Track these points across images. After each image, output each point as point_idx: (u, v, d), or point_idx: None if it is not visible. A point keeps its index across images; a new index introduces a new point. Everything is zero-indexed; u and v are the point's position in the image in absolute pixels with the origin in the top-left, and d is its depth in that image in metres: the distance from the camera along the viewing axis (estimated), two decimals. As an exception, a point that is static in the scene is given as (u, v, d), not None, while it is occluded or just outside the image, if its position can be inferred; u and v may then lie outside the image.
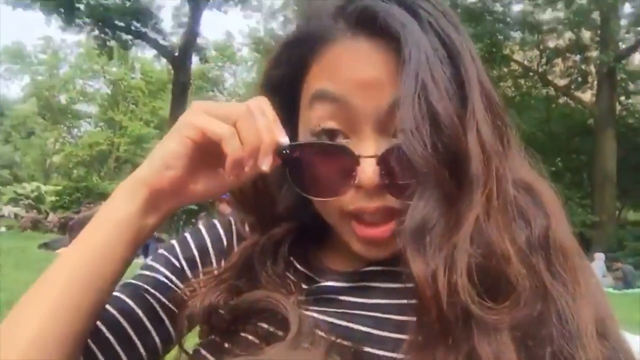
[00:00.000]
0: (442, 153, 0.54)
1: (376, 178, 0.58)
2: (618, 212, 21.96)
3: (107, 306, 0.65)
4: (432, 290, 0.51)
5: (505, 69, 22.85)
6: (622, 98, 22.80)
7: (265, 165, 0.58)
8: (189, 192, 0.63)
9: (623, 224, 20.73)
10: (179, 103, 19.53)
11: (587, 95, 23.50)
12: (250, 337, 0.63)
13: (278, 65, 0.67)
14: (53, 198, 24.01)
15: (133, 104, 40.64)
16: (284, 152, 0.60)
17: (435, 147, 0.54)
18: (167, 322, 0.70)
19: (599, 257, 12.81)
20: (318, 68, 0.62)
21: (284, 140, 0.60)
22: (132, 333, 0.68)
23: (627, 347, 0.57)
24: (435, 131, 0.54)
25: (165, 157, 0.61)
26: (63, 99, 42.13)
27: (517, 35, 21.78)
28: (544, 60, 23.80)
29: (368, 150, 0.59)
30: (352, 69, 0.59)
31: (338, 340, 0.58)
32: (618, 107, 21.98)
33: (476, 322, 0.51)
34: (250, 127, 0.58)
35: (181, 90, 20.61)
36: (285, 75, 0.66)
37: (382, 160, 0.58)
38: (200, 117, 0.60)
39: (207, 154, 0.61)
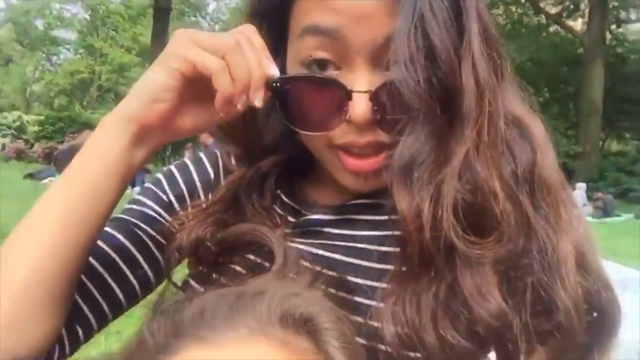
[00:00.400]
0: (435, 88, 0.52)
1: (368, 114, 0.57)
2: (602, 143, 22.20)
3: (98, 242, 0.66)
4: (416, 223, 0.52)
5: (496, -4, 22.29)
6: (613, 27, 22.48)
7: (258, 100, 0.57)
8: (178, 126, 0.62)
9: (606, 155, 21.00)
10: (160, 29, 18.90)
11: (578, 24, 23.15)
12: (237, 268, 0.64)
13: None
14: (36, 128, 23.65)
15: (113, 30, 39.28)
16: (274, 84, 0.58)
17: (429, 82, 0.52)
18: (157, 254, 0.70)
19: (580, 187, 13.08)
20: None
21: (274, 72, 0.58)
22: (124, 267, 0.68)
23: (606, 278, 0.58)
24: (431, 65, 0.52)
25: (153, 90, 0.59)
26: (40, 24, 40.60)
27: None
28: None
29: (361, 85, 0.57)
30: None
31: (323, 271, 0.59)
32: (608, 37, 21.72)
33: (459, 255, 0.52)
34: (240, 61, 0.56)
35: (162, 15, 19.90)
36: (274, 1, 0.63)
37: (375, 96, 0.57)
38: (190, 48, 0.57)
39: (195, 87, 0.59)
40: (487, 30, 0.57)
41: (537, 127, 0.60)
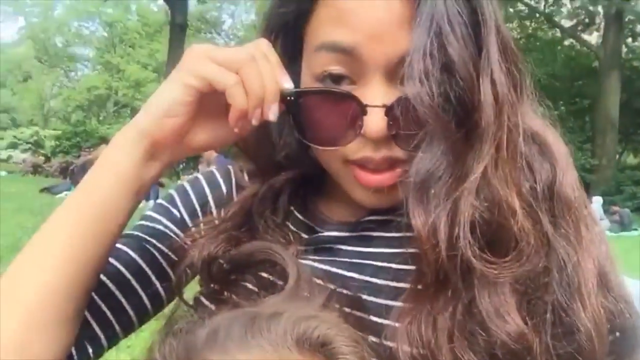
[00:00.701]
0: (452, 103, 0.51)
1: (384, 129, 0.56)
2: (618, 156, 21.94)
3: (110, 259, 0.65)
4: (432, 241, 0.51)
5: (511, 10, 22.25)
6: (629, 40, 22.32)
7: (272, 114, 0.57)
8: (191, 142, 0.62)
9: (622, 168, 20.73)
10: (176, 45, 19.11)
11: (594, 38, 23.03)
12: (249, 285, 0.63)
13: (283, 4, 0.63)
14: (52, 143, 23.99)
15: (130, 46, 39.88)
16: (289, 98, 0.58)
17: (445, 97, 0.51)
18: (169, 271, 0.70)
19: (597, 200, 12.91)
20: (326, 9, 0.58)
21: (289, 85, 0.58)
22: (136, 284, 0.68)
23: (628, 297, 0.57)
24: (448, 80, 0.51)
25: (166, 105, 0.59)
26: (59, 41, 41.36)
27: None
28: (550, 0, 23.15)
29: (376, 99, 0.56)
30: (364, 14, 0.55)
31: (337, 289, 0.58)
32: (624, 50, 21.56)
33: (477, 275, 0.51)
34: (254, 75, 0.56)
35: (178, 32, 20.13)
36: (290, 14, 0.62)
37: (390, 110, 0.55)
38: (204, 64, 0.57)
39: (209, 102, 0.59)
40: (505, 44, 0.56)
41: (557, 143, 0.59)
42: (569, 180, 0.56)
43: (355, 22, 0.55)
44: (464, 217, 0.51)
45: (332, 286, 0.58)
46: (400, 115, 0.55)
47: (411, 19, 0.54)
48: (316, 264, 0.63)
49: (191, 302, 0.67)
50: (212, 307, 0.63)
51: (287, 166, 0.68)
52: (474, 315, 0.51)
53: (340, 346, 0.47)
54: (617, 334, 0.55)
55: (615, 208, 13.85)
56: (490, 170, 0.52)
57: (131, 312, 0.68)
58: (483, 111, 0.51)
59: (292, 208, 0.69)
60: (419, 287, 0.54)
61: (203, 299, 0.66)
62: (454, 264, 0.51)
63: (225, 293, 0.64)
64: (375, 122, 0.56)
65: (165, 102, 0.59)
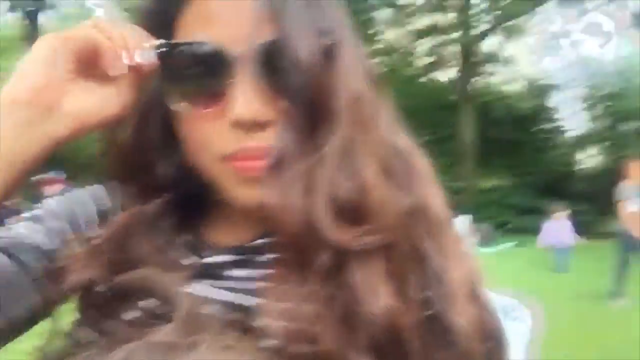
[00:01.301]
0: (297, 89, 0.54)
1: (253, 107, 0.56)
2: (477, 180, 23.95)
3: None
4: (286, 216, 0.53)
5: (371, 47, 23.63)
6: (479, 78, 24.62)
7: (138, 57, 0.57)
8: (68, 108, 0.57)
9: (482, 190, 22.65)
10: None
11: (450, 74, 25.13)
12: (131, 314, 0.60)
13: (154, 2, 0.64)
14: None
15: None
16: (161, 50, 0.59)
17: (285, 84, 0.54)
18: (44, 285, 0.64)
19: (463, 219, 13.84)
20: (192, 9, 0.60)
21: (154, 41, 0.59)
22: (8, 294, 0.62)
23: (492, 306, 0.62)
24: (290, 67, 0.54)
25: (23, 67, 0.55)
26: None
27: (382, 15, 22.59)
28: (408, 39, 24.92)
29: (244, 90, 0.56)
30: (229, 14, 0.57)
31: (227, 316, 0.57)
32: (476, 86, 23.78)
33: (341, 250, 0.53)
34: (108, 25, 0.57)
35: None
36: (160, 14, 0.63)
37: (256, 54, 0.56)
38: (60, 31, 0.57)
39: (79, 69, 0.57)
40: (361, 53, 0.60)
41: (422, 162, 0.63)
42: (436, 198, 0.61)
43: (220, 21, 0.57)
44: (319, 190, 0.53)
45: (221, 313, 0.57)
46: (267, 66, 0.56)
47: (270, 14, 0.56)
48: (202, 291, 0.61)
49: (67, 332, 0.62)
50: (91, 336, 0.59)
51: (169, 188, 0.67)
52: (345, 290, 0.53)
53: None
54: (487, 342, 0.58)
55: (478, 226, 14.93)
56: (349, 149, 0.55)
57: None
58: (339, 95, 0.55)
59: (175, 232, 0.67)
60: (281, 270, 0.55)
61: (79, 328, 0.62)
62: (310, 237, 0.52)
63: (105, 321, 0.60)
64: (244, 101, 0.56)
65: (22, 65, 0.56)
